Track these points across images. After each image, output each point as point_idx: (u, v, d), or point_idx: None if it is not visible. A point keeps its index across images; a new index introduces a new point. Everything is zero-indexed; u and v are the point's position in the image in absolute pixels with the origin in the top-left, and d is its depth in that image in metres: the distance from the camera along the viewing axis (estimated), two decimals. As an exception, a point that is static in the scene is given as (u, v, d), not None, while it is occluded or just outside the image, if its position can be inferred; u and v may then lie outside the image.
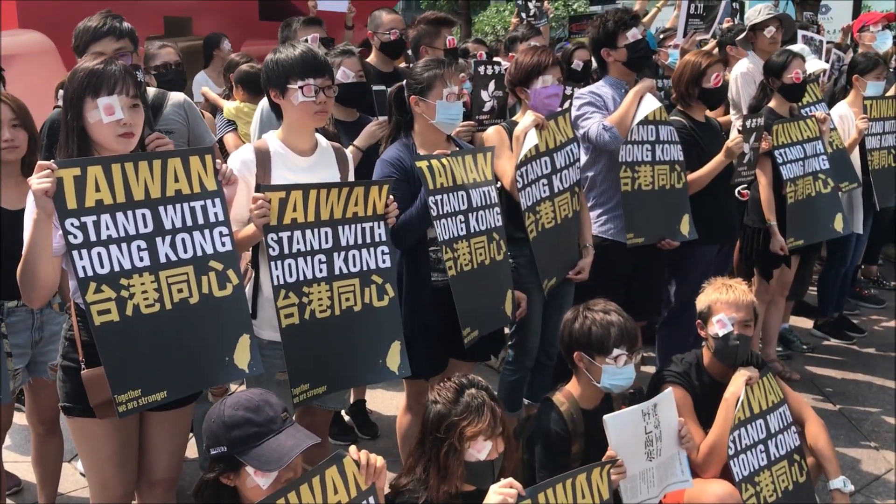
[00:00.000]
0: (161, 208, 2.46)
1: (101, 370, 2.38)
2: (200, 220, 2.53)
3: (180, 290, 2.49)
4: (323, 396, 2.89)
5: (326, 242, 2.81)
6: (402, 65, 5.15)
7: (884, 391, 5.06)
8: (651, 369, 4.69)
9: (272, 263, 2.69)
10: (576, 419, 3.09)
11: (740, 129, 4.44)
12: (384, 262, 2.95)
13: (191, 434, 4.06)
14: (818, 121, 4.88)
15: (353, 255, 2.88)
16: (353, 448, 2.23)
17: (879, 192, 5.43)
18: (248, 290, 2.92)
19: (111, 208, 2.36)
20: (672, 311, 4.57)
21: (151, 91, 3.61)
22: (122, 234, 2.38)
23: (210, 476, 2.23)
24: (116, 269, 2.37)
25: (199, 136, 3.64)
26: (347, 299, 2.87)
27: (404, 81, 3.44)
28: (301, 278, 2.76)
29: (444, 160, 3.20)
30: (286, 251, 2.72)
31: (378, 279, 2.93)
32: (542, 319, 3.92)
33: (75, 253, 2.30)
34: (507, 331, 4.13)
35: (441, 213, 3.15)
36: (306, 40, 4.20)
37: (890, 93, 5.70)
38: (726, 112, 5.48)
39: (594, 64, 4.87)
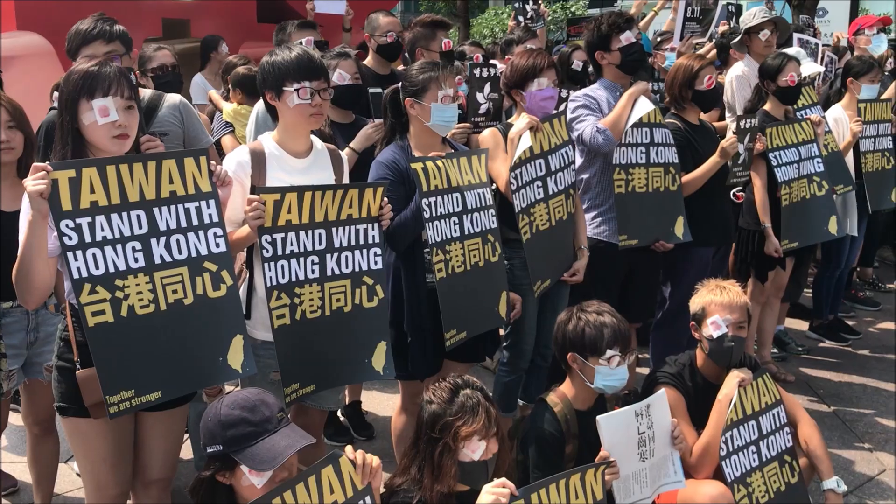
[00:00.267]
0: (156, 209, 2.47)
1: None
2: (195, 222, 2.55)
3: (175, 291, 2.51)
4: (314, 396, 2.91)
5: (320, 244, 2.83)
6: (400, 67, 5.17)
7: (878, 393, 5.08)
8: (646, 371, 4.70)
9: (265, 265, 2.71)
10: (569, 420, 3.10)
11: (735, 130, 4.46)
12: (376, 263, 2.97)
13: (186, 435, 4.09)
14: (813, 123, 4.90)
15: (346, 257, 2.90)
16: (349, 448, 2.25)
17: (872, 195, 5.45)
18: (243, 290, 2.93)
19: (106, 209, 2.38)
20: (667, 313, 4.59)
21: (148, 93, 3.62)
22: (117, 235, 2.40)
23: (206, 474, 2.25)
24: (111, 270, 2.38)
25: (194, 138, 3.65)
26: (338, 300, 2.89)
27: (400, 84, 3.46)
28: (293, 279, 2.78)
29: (438, 162, 3.21)
30: (280, 252, 2.74)
31: (369, 280, 2.95)
32: (537, 321, 3.94)
33: (70, 254, 2.32)
34: (502, 332, 4.14)
35: (434, 215, 3.16)
36: (300, 44, 4.21)
37: (885, 95, 5.73)
38: (721, 117, 5.49)
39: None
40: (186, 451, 4.11)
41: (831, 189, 4.95)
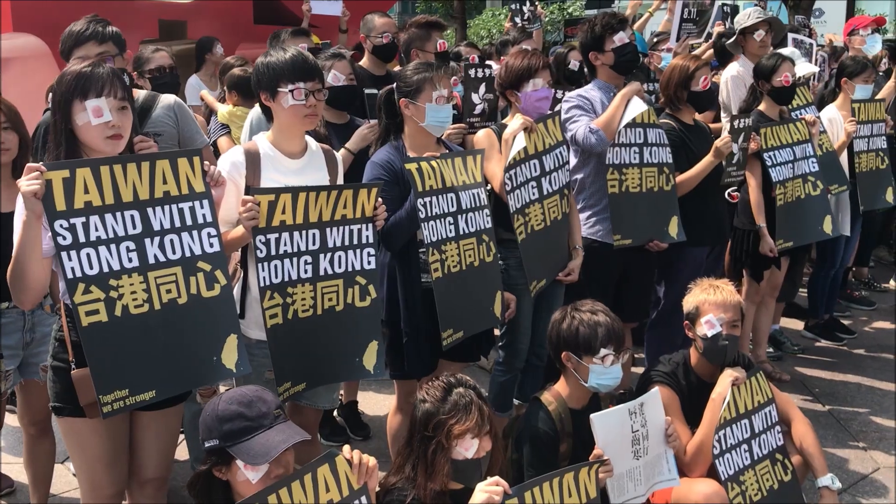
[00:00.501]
0: (149, 209, 2.48)
1: None
2: (189, 222, 2.56)
3: (169, 291, 2.52)
4: (309, 395, 2.92)
5: (314, 244, 2.84)
6: (396, 68, 5.18)
7: (872, 392, 5.10)
8: (641, 370, 4.71)
9: (259, 265, 2.72)
10: (564, 419, 3.11)
11: (729, 129, 4.48)
12: (369, 263, 2.98)
13: (181, 436, 4.10)
14: (808, 123, 4.91)
15: (339, 257, 2.91)
16: (346, 447, 2.26)
17: (864, 195, 5.47)
18: (237, 290, 2.94)
19: (100, 210, 2.39)
20: (662, 313, 4.60)
21: (142, 93, 3.63)
22: (111, 235, 2.41)
23: (203, 468, 2.27)
24: (105, 269, 2.39)
25: (189, 138, 3.66)
26: (330, 299, 2.91)
27: (394, 84, 3.47)
28: (286, 279, 2.79)
29: (433, 162, 3.22)
30: (273, 253, 2.75)
31: (362, 280, 2.97)
32: (532, 321, 3.95)
33: (64, 254, 2.33)
34: (497, 332, 4.15)
35: (430, 215, 3.17)
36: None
37: (879, 96, 5.74)
38: (716, 117, 5.51)
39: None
40: (182, 452, 4.13)
41: (826, 189, 4.96)
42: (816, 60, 6.44)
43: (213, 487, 2.28)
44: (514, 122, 3.66)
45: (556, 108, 4.21)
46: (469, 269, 3.34)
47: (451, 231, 3.27)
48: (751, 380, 3.34)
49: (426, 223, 3.15)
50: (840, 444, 4.41)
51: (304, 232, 2.81)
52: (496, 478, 2.38)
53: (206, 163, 2.61)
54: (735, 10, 6.85)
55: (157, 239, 2.50)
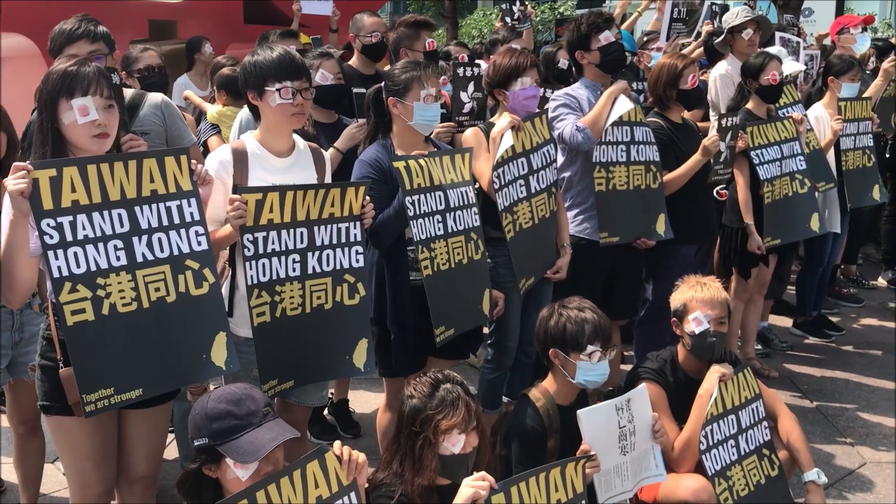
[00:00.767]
0: (137, 208, 2.49)
1: None
2: (176, 220, 2.56)
3: (157, 289, 2.52)
4: (298, 392, 2.93)
5: (302, 242, 2.85)
6: (386, 68, 5.19)
7: (860, 388, 5.13)
8: (631, 368, 4.74)
9: (247, 264, 2.73)
10: (552, 415, 3.13)
11: (717, 128, 4.50)
12: (357, 261, 2.99)
13: (171, 435, 4.11)
14: (795, 122, 4.94)
15: (328, 255, 2.91)
16: (336, 443, 2.27)
17: (851, 192, 5.51)
18: (225, 288, 2.95)
19: (87, 208, 2.39)
20: (650, 310, 4.62)
21: (129, 92, 3.63)
22: (99, 233, 2.41)
23: (192, 467, 2.27)
24: (93, 268, 2.39)
25: (177, 137, 3.66)
26: (319, 297, 2.91)
27: (382, 83, 3.48)
28: (274, 277, 2.80)
29: (421, 161, 3.24)
30: (261, 251, 2.76)
31: (350, 278, 2.97)
32: (521, 318, 3.96)
33: (50, 253, 2.33)
34: (486, 330, 4.17)
35: (418, 213, 3.19)
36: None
37: (866, 94, 5.78)
38: (704, 116, 5.53)
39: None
40: (172, 451, 4.13)
41: (813, 186, 4.99)
42: (804, 59, 6.47)
43: (202, 486, 2.29)
44: (502, 120, 3.67)
45: (545, 107, 4.23)
46: (458, 268, 3.36)
47: (439, 229, 3.28)
48: (738, 376, 3.37)
49: (415, 221, 3.16)
50: (827, 439, 4.44)
51: (291, 230, 2.81)
52: (482, 473, 2.40)
53: (194, 161, 2.62)
54: (724, 9, 6.89)
55: (144, 237, 2.50)
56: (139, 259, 2.49)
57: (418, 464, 2.51)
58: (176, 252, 2.56)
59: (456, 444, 2.52)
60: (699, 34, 6.65)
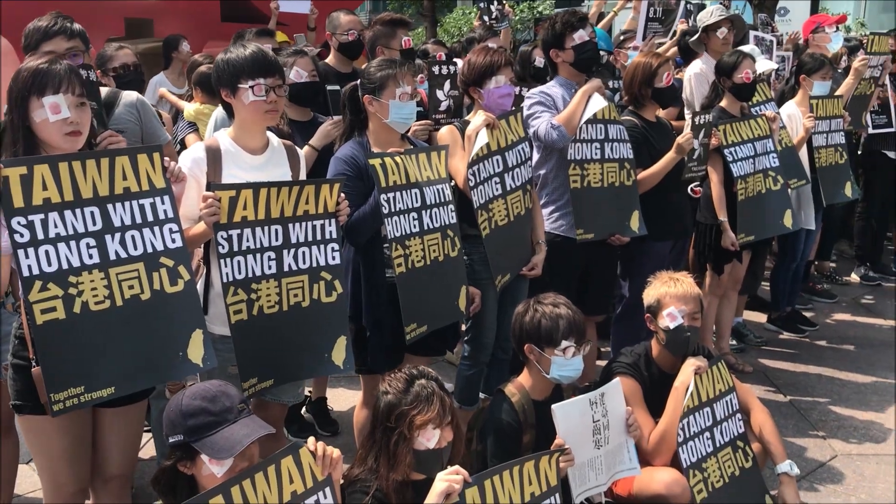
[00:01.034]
0: (110, 206, 2.48)
1: None
2: (150, 218, 2.56)
3: (131, 287, 2.52)
4: (274, 390, 2.94)
5: (276, 240, 2.85)
6: (365, 66, 5.20)
7: (832, 382, 5.20)
8: (607, 364, 4.78)
9: (221, 261, 2.73)
10: (527, 410, 3.16)
11: (690, 126, 4.55)
12: (334, 258, 2.99)
13: (149, 434, 4.10)
14: (768, 119, 5.00)
15: (303, 252, 2.92)
16: (311, 439, 2.28)
17: (826, 189, 5.58)
18: (200, 285, 2.95)
19: (59, 206, 2.38)
20: (626, 307, 4.66)
21: (104, 90, 3.62)
22: (71, 231, 2.40)
23: (167, 464, 2.27)
24: (65, 266, 2.38)
25: (152, 135, 3.66)
26: (296, 295, 2.92)
27: (358, 80, 3.49)
28: (250, 275, 2.80)
29: (397, 158, 3.25)
30: (236, 248, 2.76)
31: (327, 276, 2.98)
32: (497, 315, 3.99)
33: (21, 252, 2.31)
34: (464, 327, 4.19)
35: (393, 210, 3.20)
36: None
37: (838, 92, 5.86)
38: (679, 115, 5.58)
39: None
40: (150, 450, 4.12)
41: (786, 183, 5.06)
42: (777, 58, 6.54)
43: (178, 483, 2.29)
44: (477, 118, 3.69)
45: (520, 105, 4.26)
46: (434, 264, 3.38)
47: (415, 226, 3.30)
48: (712, 369, 3.41)
49: (389, 218, 3.17)
50: (800, 432, 4.50)
51: (266, 228, 2.82)
52: (456, 467, 2.42)
53: (167, 159, 2.62)
54: (700, 8, 6.95)
55: (117, 235, 2.50)
56: (112, 257, 2.48)
57: (393, 459, 2.52)
58: (150, 250, 2.56)
59: (430, 439, 2.53)
60: (674, 33, 6.70)
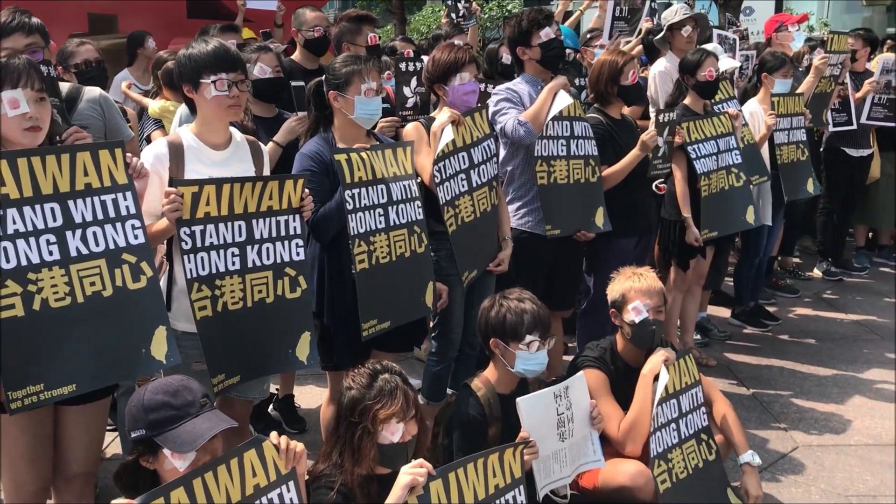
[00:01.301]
0: (70, 202, 2.46)
1: None
2: (112, 214, 2.54)
3: (93, 284, 2.50)
4: (239, 386, 2.93)
5: (240, 236, 2.85)
6: (330, 62, 5.19)
7: (794, 375, 5.30)
8: (574, 358, 4.82)
9: (185, 257, 2.72)
10: (492, 404, 3.18)
11: (654, 123, 4.60)
12: (298, 254, 2.99)
13: (116, 433, 4.07)
14: (731, 117, 5.07)
15: (267, 248, 2.92)
16: (273, 433, 2.28)
17: (787, 185, 5.67)
18: (163, 282, 2.93)
19: (18, 203, 2.35)
20: (592, 302, 4.70)
21: (66, 86, 3.58)
22: (30, 228, 2.37)
23: (129, 459, 2.26)
24: (24, 263, 2.35)
25: (115, 131, 3.62)
26: (260, 291, 2.91)
27: (323, 77, 3.49)
28: (214, 271, 2.79)
29: (363, 154, 3.25)
30: (199, 244, 2.75)
31: (291, 271, 2.98)
32: (465, 311, 4.01)
33: None
34: (431, 323, 4.20)
35: (358, 206, 3.20)
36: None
37: (799, 90, 5.95)
38: (644, 113, 5.63)
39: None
40: (115, 448, 4.09)
41: (748, 180, 5.13)
42: (740, 57, 6.63)
43: (140, 478, 2.27)
44: (442, 115, 3.71)
45: (486, 102, 4.28)
46: (400, 260, 3.38)
47: (381, 222, 3.30)
48: (679, 361, 3.45)
49: (353, 215, 3.17)
50: (762, 425, 4.58)
51: (229, 223, 2.81)
52: (420, 460, 2.43)
53: (129, 154, 2.60)
54: (665, 6, 7.02)
55: (79, 231, 2.48)
56: (73, 253, 2.46)
57: (357, 454, 2.53)
58: (112, 246, 2.54)
59: (395, 433, 2.54)
60: (640, 32, 6.77)
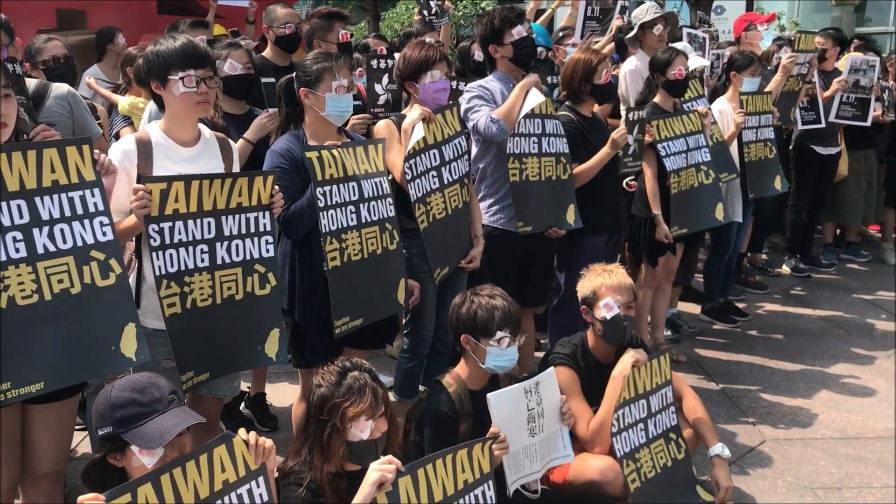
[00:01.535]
0: (37, 199, 2.44)
1: None
2: (80, 211, 2.52)
3: (60, 281, 2.48)
4: (208, 383, 2.92)
5: (209, 232, 2.84)
6: (301, 59, 5.18)
7: (763, 370, 5.37)
8: (546, 355, 4.85)
9: (153, 254, 2.71)
10: (463, 400, 3.20)
11: (625, 121, 4.64)
12: (268, 251, 2.99)
13: (85, 433, 4.03)
14: (700, 115, 5.13)
15: (237, 245, 2.91)
16: (242, 430, 2.28)
17: (753, 183, 5.75)
18: (132, 279, 2.92)
19: None
20: (563, 299, 4.73)
21: (33, 83, 3.54)
22: None
23: (97, 457, 2.25)
24: (-10, 260, 2.34)
25: (84, 128, 3.59)
26: (229, 288, 2.91)
27: (294, 73, 3.49)
28: (182, 268, 2.78)
29: (334, 151, 3.25)
30: (167, 241, 2.74)
31: (261, 268, 2.98)
32: (437, 308, 4.02)
33: None
34: (403, 320, 4.21)
35: (329, 203, 3.20)
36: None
37: (767, 88, 6.03)
38: (613, 111, 5.67)
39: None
40: (86, 449, 4.06)
41: (717, 178, 5.19)
42: (711, 56, 6.70)
43: (108, 476, 2.26)
44: (413, 112, 3.71)
45: (458, 99, 4.29)
46: (371, 257, 3.39)
47: (352, 220, 3.31)
48: (653, 362, 3.48)
49: (325, 212, 3.18)
50: (731, 419, 4.64)
51: (198, 220, 2.80)
52: (388, 457, 2.44)
53: (97, 151, 2.59)
54: (637, 4, 7.07)
55: (46, 229, 2.45)
56: (40, 251, 2.44)
57: (326, 451, 2.53)
58: (80, 243, 2.52)
59: (364, 430, 2.55)
60: (612, 30, 6.81)
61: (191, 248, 2.80)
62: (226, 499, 2.18)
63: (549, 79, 5.72)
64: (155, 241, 2.71)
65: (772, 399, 4.92)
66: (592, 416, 3.43)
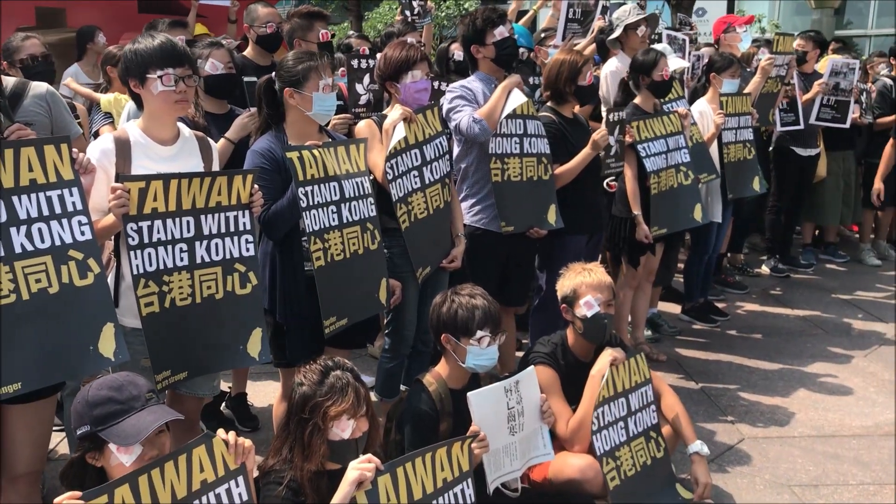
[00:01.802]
0: (15, 198, 2.42)
1: None
2: (58, 210, 2.51)
3: (38, 281, 2.46)
4: (188, 383, 2.92)
5: (188, 231, 2.83)
6: (282, 58, 5.17)
7: (742, 369, 5.42)
8: (527, 354, 4.87)
9: (131, 253, 2.70)
10: (444, 398, 3.21)
11: (605, 122, 4.67)
12: (248, 250, 2.98)
13: (63, 433, 4.01)
14: (680, 116, 5.17)
15: (216, 244, 2.90)
16: (221, 430, 2.28)
17: (731, 184, 5.80)
18: (111, 278, 2.91)
19: None
20: (544, 299, 4.75)
21: (11, 81, 3.51)
22: None
23: (75, 456, 2.25)
24: (-34, 261, 2.32)
25: (62, 128, 3.56)
26: (209, 287, 2.90)
27: (274, 73, 3.48)
28: (161, 267, 2.77)
29: (315, 151, 3.25)
30: (146, 240, 2.73)
31: (241, 267, 2.97)
32: (418, 307, 4.03)
33: None
34: (385, 320, 4.21)
35: (311, 203, 3.20)
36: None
37: (746, 90, 6.08)
38: (594, 113, 5.70)
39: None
40: (64, 450, 4.04)
41: (697, 178, 5.23)
42: (691, 58, 6.74)
43: (86, 476, 2.25)
44: (394, 112, 3.72)
45: (439, 99, 4.30)
46: (353, 257, 3.39)
47: (334, 219, 3.31)
48: (630, 360, 3.51)
49: (307, 212, 3.17)
50: (710, 418, 4.68)
51: (177, 219, 2.79)
52: (368, 455, 2.45)
53: (75, 150, 2.57)
54: (619, 5, 7.11)
55: (23, 228, 2.44)
56: (18, 250, 2.42)
57: (307, 450, 2.53)
58: (58, 242, 2.50)
59: (345, 429, 2.55)
60: (593, 31, 6.84)
61: (169, 247, 2.79)
62: (204, 498, 2.18)
63: (531, 80, 5.74)
64: (133, 240, 2.70)
65: (750, 398, 4.96)
66: (572, 414, 3.45)
